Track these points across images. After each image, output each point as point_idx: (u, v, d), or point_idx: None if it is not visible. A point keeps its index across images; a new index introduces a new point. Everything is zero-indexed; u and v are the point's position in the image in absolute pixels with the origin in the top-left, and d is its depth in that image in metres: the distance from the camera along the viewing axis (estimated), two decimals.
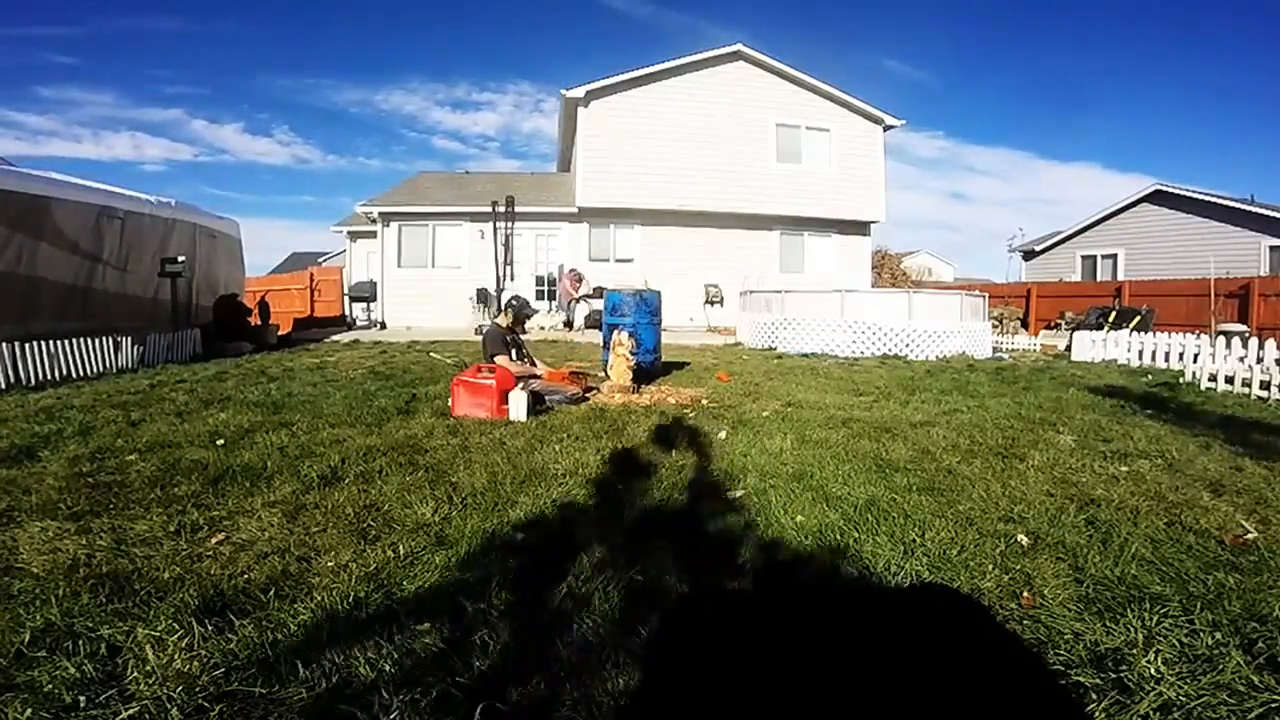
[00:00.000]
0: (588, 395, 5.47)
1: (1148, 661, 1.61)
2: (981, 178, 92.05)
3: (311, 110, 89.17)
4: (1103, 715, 1.45)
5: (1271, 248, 16.68)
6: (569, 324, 15.21)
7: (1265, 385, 6.10)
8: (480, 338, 12.37)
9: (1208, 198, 18.11)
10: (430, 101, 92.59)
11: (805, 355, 9.79)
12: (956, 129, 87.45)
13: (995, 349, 11.29)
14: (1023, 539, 2.41)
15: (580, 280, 15.56)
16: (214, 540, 2.35)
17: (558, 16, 73.35)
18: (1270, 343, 6.81)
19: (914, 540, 2.37)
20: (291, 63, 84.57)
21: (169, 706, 1.43)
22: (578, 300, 15.42)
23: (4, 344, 6.15)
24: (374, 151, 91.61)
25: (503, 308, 6.31)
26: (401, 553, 2.23)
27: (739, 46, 16.13)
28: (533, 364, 5.91)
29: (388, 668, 1.57)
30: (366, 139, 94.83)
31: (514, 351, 5.95)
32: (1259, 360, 6.78)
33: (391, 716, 1.40)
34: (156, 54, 74.60)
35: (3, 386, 5.99)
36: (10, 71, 68.14)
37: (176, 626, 1.72)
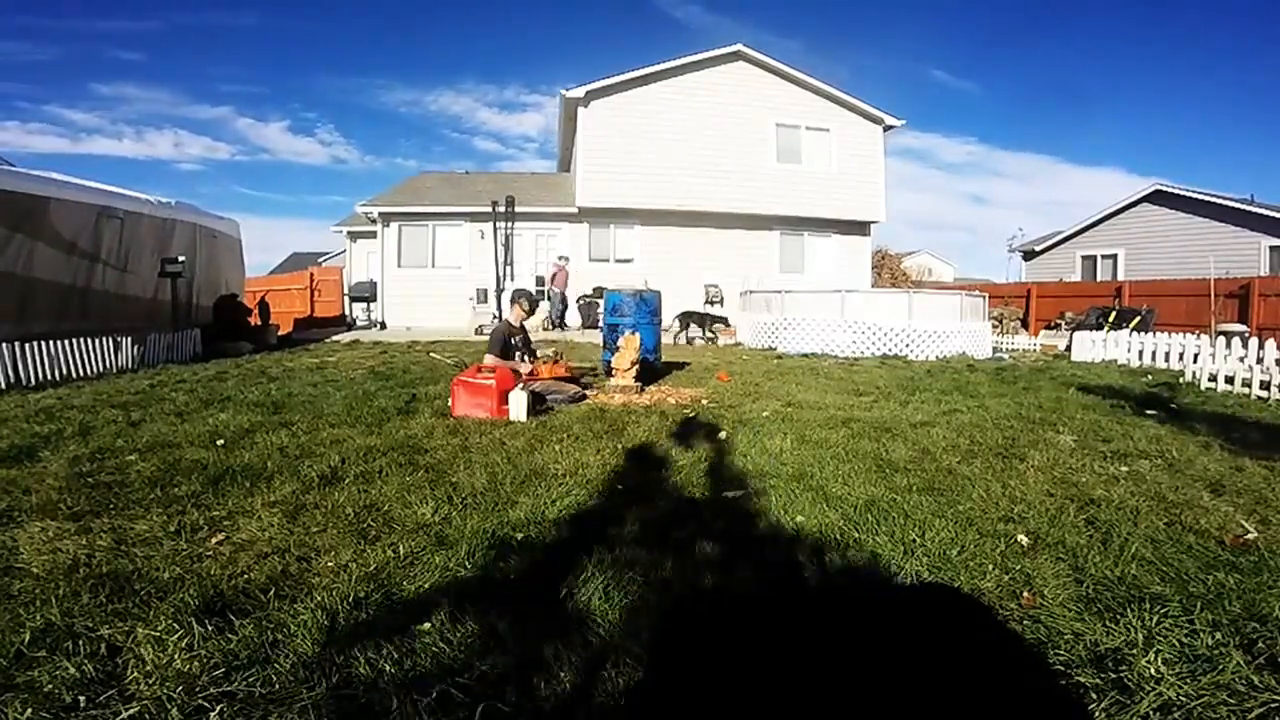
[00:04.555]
0: (587, 395, 5.47)
1: (1148, 661, 1.61)
2: (1007, 181, 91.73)
3: (359, 110, 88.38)
4: (1103, 715, 1.45)
5: (1271, 248, 16.67)
6: (559, 322, 15.09)
7: (1265, 385, 6.10)
8: (480, 338, 12.30)
9: (1208, 198, 18.09)
10: (479, 103, 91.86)
11: (805, 355, 9.79)
12: (989, 134, 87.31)
13: (995, 349, 11.29)
14: (1023, 539, 2.41)
15: (564, 266, 15.35)
16: (214, 540, 2.35)
17: (612, 16, 72.66)
18: (1270, 343, 6.80)
19: (914, 540, 2.37)
20: (351, 62, 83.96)
21: (169, 706, 1.43)
22: (571, 296, 15.34)
23: (4, 344, 6.14)
24: (413, 152, 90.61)
25: (514, 300, 6.02)
26: (401, 553, 2.23)
27: (739, 47, 16.12)
28: (527, 359, 5.86)
29: (388, 668, 1.57)
30: (409, 140, 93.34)
31: (517, 354, 5.91)
32: (1259, 360, 6.77)
33: (391, 717, 1.40)
34: (221, 51, 73.76)
35: (3, 386, 5.99)
36: (71, 67, 67.07)
37: (176, 626, 1.72)
